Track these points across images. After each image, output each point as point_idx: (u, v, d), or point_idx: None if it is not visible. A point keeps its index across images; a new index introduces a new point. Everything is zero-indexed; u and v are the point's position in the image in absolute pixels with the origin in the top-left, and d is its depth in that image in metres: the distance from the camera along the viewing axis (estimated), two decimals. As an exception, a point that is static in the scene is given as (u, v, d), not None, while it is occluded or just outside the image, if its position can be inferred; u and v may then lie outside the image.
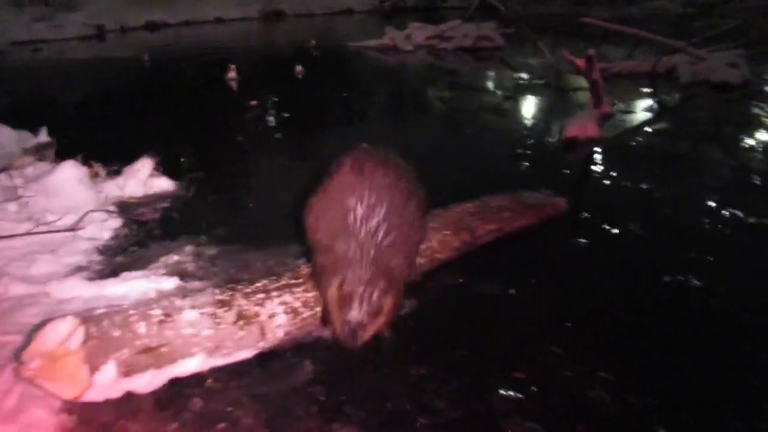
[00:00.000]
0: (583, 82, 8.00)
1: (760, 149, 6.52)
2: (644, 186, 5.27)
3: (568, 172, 5.96)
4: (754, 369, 2.93)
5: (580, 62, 7.23)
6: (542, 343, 3.10)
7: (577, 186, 5.54)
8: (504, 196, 4.28)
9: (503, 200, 4.21)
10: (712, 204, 4.87)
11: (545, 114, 8.41)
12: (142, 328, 2.53)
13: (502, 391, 2.75)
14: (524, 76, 10.68)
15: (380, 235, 2.81)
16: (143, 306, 2.68)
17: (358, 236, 2.79)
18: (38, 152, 5.66)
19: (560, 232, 4.39)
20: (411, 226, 3.01)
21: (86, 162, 4.98)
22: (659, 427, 2.56)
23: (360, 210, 2.85)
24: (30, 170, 5.13)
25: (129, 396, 2.54)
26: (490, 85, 10.45)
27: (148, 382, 2.55)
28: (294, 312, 2.92)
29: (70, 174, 4.64)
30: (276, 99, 9.04)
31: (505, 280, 3.67)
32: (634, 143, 6.73)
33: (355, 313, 2.62)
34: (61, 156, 5.12)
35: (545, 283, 3.69)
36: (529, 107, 8.78)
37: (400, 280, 2.86)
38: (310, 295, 3.00)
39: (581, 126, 6.56)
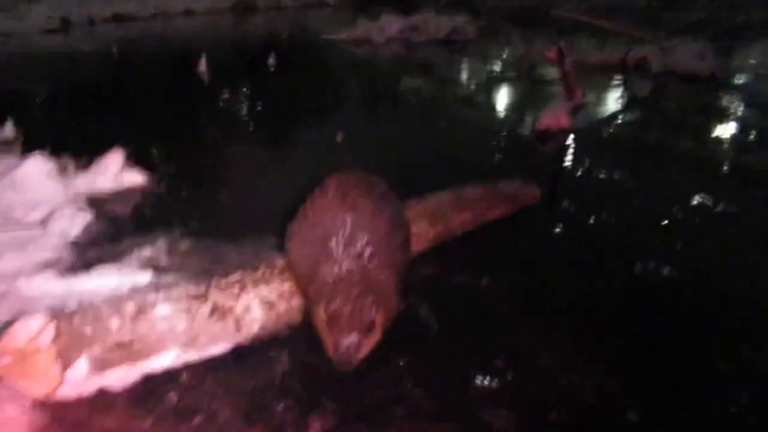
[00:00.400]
0: (555, 73, 8.07)
1: (727, 139, 6.66)
2: (616, 176, 5.35)
3: (541, 162, 6.02)
4: (723, 353, 3.01)
5: (552, 54, 7.28)
6: (518, 332, 3.14)
7: (550, 176, 5.59)
8: (478, 186, 4.30)
9: (477, 190, 4.22)
10: (682, 193, 4.96)
11: (518, 105, 8.48)
12: (114, 323, 2.50)
13: (478, 381, 2.77)
14: (497, 68, 10.74)
15: (365, 257, 2.76)
16: (115, 301, 2.64)
17: (342, 261, 2.75)
18: (3, 146, 5.52)
19: (534, 221, 4.43)
20: (397, 249, 2.96)
21: (54, 156, 4.87)
22: (631, 411, 2.62)
23: (342, 237, 2.79)
24: (-5, 165, 5.00)
25: (102, 392, 2.50)
26: (464, 77, 10.49)
27: (121, 377, 2.52)
28: (270, 305, 2.90)
29: (37, 168, 4.53)
30: (248, 91, 8.96)
31: (480, 269, 3.69)
32: (605, 134, 6.81)
33: (346, 333, 2.55)
34: (27, 150, 4.99)
35: (520, 273, 3.73)
36: (502, 99, 8.84)
37: (392, 295, 2.80)
38: (286, 287, 2.99)
39: (554, 117, 6.62)
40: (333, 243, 2.79)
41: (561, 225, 4.36)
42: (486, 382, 2.77)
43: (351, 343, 2.55)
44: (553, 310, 3.35)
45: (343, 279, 2.68)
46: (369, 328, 2.60)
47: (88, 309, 2.53)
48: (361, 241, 2.79)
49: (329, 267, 2.74)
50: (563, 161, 5.95)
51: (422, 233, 3.69)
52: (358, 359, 2.60)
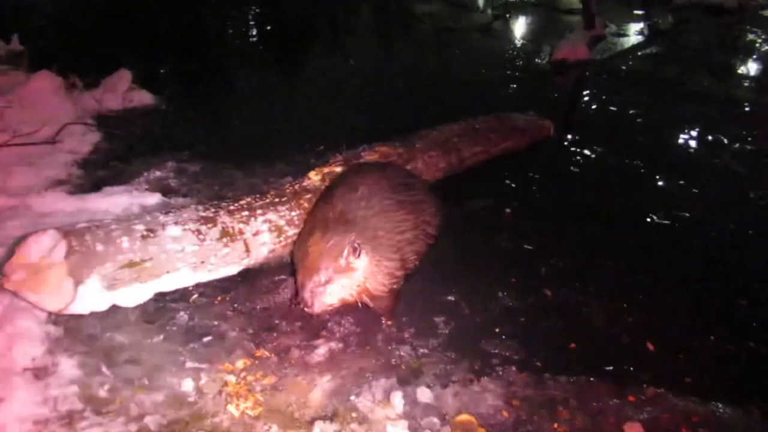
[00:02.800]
0: (575, 1, 7.79)
1: (750, 76, 6.49)
2: (632, 111, 5.25)
3: (556, 95, 5.90)
4: (735, 289, 3.08)
5: (574, -20, 7.01)
6: (536, 265, 3.19)
7: (564, 110, 5.49)
8: (491, 117, 4.23)
9: (490, 122, 4.16)
10: (698, 131, 4.88)
11: (535, 34, 8.22)
12: (125, 242, 2.51)
13: (494, 310, 2.83)
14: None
15: (374, 211, 2.59)
16: (126, 221, 2.65)
17: (344, 204, 2.59)
18: (10, 60, 5.43)
19: (547, 155, 4.38)
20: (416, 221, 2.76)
21: (62, 73, 4.79)
22: (648, 341, 2.70)
23: (355, 189, 2.65)
24: (2, 79, 4.93)
25: (114, 309, 2.55)
26: (480, 2, 10.13)
27: (133, 296, 2.56)
28: (278, 230, 2.91)
29: (45, 84, 4.47)
30: (258, 10, 8.71)
31: (491, 202, 3.71)
32: (624, 67, 6.64)
33: (311, 271, 2.37)
34: (34, 66, 4.91)
35: (533, 207, 3.73)
36: (519, 27, 8.57)
37: (392, 252, 2.59)
38: (294, 213, 2.98)
39: (571, 48, 6.44)
40: (345, 193, 2.67)
41: (574, 160, 4.31)
42: (503, 314, 2.82)
43: (315, 284, 2.37)
44: (568, 244, 3.37)
45: (336, 218, 2.53)
46: (343, 271, 2.41)
47: (99, 227, 2.54)
48: (376, 199, 2.63)
49: (328, 206, 2.64)
50: (578, 95, 5.82)
51: (433, 163, 3.66)
52: (324, 307, 2.42)
